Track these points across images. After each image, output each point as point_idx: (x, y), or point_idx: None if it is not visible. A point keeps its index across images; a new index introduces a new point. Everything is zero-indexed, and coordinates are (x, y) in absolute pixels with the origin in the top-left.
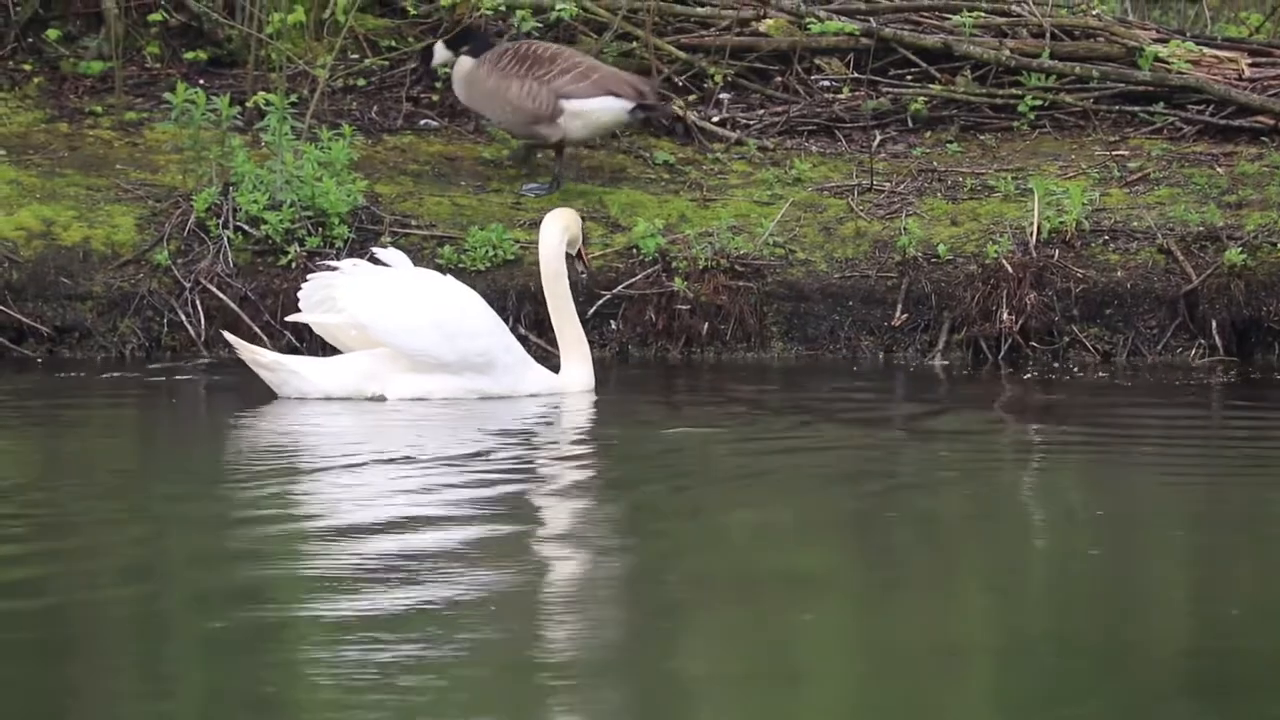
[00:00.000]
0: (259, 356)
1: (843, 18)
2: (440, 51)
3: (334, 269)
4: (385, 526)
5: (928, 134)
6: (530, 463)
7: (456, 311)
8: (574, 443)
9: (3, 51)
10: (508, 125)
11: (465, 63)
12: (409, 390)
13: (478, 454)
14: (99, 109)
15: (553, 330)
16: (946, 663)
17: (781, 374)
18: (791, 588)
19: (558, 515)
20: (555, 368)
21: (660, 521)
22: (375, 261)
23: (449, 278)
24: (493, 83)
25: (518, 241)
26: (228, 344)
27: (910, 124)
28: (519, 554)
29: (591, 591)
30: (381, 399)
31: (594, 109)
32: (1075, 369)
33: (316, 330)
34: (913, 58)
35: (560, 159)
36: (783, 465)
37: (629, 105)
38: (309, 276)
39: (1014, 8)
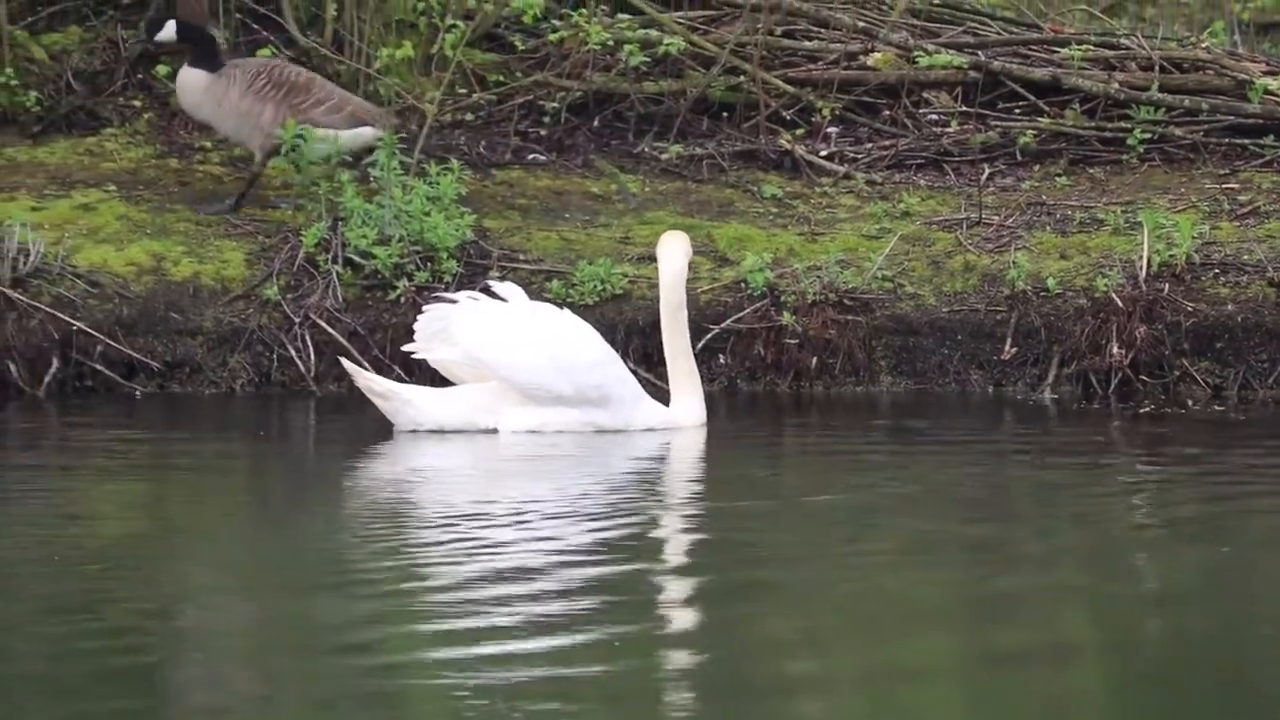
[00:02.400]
0: (375, 385)
1: (951, 51)
2: (169, 30)
3: (450, 301)
4: (508, 572)
5: (1036, 167)
6: (649, 500)
7: (572, 345)
8: (690, 479)
9: (113, 88)
10: (248, 144)
11: (198, 75)
12: (523, 423)
13: (595, 491)
14: (209, 144)
15: (662, 363)
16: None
17: (891, 408)
18: (908, 627)
19: (678, 555)
20: (664, 400)
21: (776, 561)
22: (490, 295)
23: (565, 311)
24: (246, 104)
25: (626, 275)
26: (337, 378)
27: (1019, 157)
28: (642, 595)
29: (714, 637)
30: (495, 431)
31: (347, 138)
32: (1188, 403)
33: (431, 364)
34: (1021, 91)
35: (251, 186)
36: (894, 501)
37: (380, 132)
38: (424, 308)
39: (1123, 41)
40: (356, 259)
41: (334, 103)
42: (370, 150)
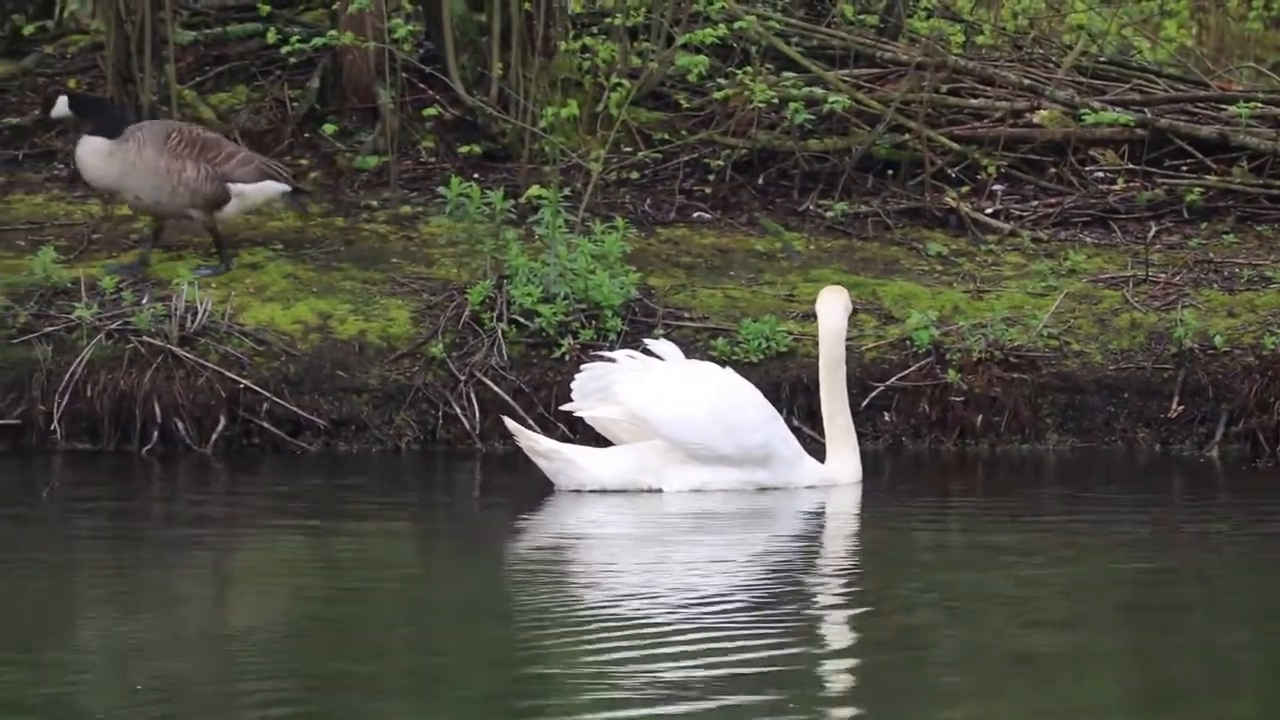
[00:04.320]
0: (536, 444)
1: (1117, 108)
2: (62, 105)
3: (608, 360)
4: (672, 635)
5: (1203, 225)
6: (815, 564)
7: (735, 404)
8: (852, 540)
9: (280, 147)
10: (164, 204)
11: (100, 143)
12: (685, 482)
13: (760, 552)
14: (374, 202)
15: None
16: None
17: (1057, 467)
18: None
19: (841, 621)
20: (819, 457)
21: (926, 634)
22: (647, 353)
23: (728, 370)
24: (164, 163)
25: (790, 333)
26: (502, 436)
27: (1186, 215)
28: (808, 664)
29: (883, 701)
30: (658, 491)
31: (256, 191)
32: None
33: (590, 422)
34: (1188, 148)
35: (221, 239)
36: (1057, 571)
37: (286, 188)
38: (582, 367)
39: None
40: (521, 318)
41: (242, 156)
42: (274, 204)
